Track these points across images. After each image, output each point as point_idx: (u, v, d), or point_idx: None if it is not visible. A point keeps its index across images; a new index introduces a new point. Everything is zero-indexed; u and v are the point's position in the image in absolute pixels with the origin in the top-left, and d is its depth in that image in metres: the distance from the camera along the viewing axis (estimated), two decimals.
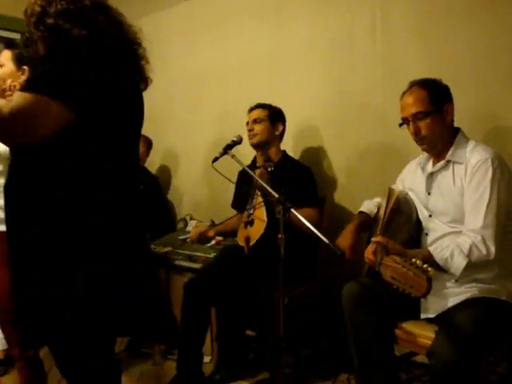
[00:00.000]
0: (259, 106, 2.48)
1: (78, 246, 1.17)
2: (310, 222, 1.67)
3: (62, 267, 1.16)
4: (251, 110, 2.50)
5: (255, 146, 2.45)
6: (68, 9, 1.22)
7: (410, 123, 1.73)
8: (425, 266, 1.36)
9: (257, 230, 2.16)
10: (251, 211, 2.27)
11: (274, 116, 2.46)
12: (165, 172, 3.68)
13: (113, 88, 1.22)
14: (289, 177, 2.29)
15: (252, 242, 2.16)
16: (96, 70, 1.18)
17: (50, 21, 1.21)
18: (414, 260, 1.39)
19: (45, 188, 1.17)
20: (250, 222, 2.25)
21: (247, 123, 2.46)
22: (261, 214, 2.18)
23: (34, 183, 1.18)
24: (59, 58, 1.16)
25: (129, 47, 1.34)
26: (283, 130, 2.50)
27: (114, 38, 1.28)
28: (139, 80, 1.38)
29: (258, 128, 2.41)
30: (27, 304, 1.19)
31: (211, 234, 2.61)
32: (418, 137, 1.73)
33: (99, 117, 1.18)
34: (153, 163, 3.73)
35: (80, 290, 1.16)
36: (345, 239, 1.82)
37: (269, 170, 2.28)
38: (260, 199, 2.22)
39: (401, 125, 1.79)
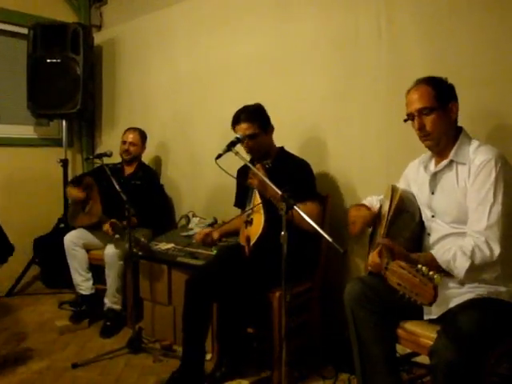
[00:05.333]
0: (244, 118, 2.31)
1: None
2: (311, 215, 1.67)
3: None
4: (236, 123, 2.33)
5: (258, 159, 2.38)
6: None
7: (415, 119, 1.72)
8: (431, 273, 1.34)
9: (255, 230, 2.14)
10: (250, 211, 2.24)
11: (264, 124, 2.36)
12: (166, 168, 3.69)
13: None
14: (286, 172, 2.25)
15: (252, 242, 2.13)
16: None
17: None
18: (420, 266, 1.37)
19: None
20: (250, 222, 2.22)
21: (238, 139, 2.17)
22: (259, 214, 2.15)
23: None
24: None
25: None
26: (273, 127, 2.43)
27: None
28: None
29: (254, 144, 2.33)
30: None
31: (216, 236, 2.53)
32: (422, 132, 1.72)
33: None
34: (156, 159, 3.74)
35: None
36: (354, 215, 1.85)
37: (266, 166, 2.27)
38: (258, 198, 2.18)
39: (405, 120, 1.78)
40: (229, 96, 3.12)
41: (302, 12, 2.76)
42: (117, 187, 2.65)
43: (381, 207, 1.87)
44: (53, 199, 3.87)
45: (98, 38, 4.20)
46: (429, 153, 1.85)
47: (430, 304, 1.34)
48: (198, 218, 3.24)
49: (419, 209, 1.84)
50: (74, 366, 2.48)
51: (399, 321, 1.76)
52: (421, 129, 1.72)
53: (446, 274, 1.55)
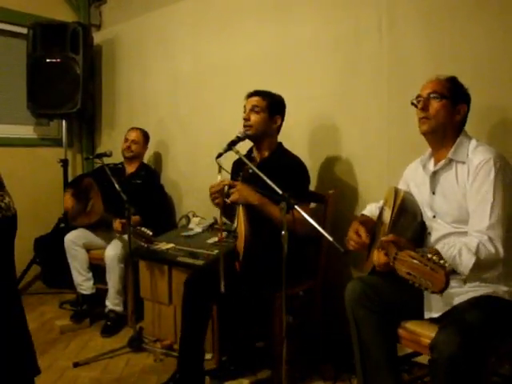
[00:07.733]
0: (259, 93, 2.36)
1: None
2: (302, 222, 1.65)
3: None
4: (250, 95, 2.37)
5: (249, 138, 2.34)
6: None
7: (421, 100, 1.73)
8: (442, 261, 1.33)
9: (240, 245, 2.07)
10: (235, 225, 2.15)
11: (273, 108, 2.35)
12: (167, 168, 3.69)
13: None
14: (277, 172, 2.10)
15: (240, 257, 2.07)
16: None
17: None
18: (430, 255, 1.36)
19: None
20: (236, 237, 2.12)
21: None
22: (241, 227, 2.07)
23: None
24: None
25: None
26: (281, 124, 2.41)
27: None
28: None
29: (254, 118, 2.30)
30: None
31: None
32: (423, 113, 1.73)
33: None
34: (156, 159, 3.74)
35: None
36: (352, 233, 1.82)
37: (250, 171, 2.20)
38: (241, 213, 2.10)
39: (413, 103, 1.78)
40: (229, 96, 3.12)
41: (303, 11, 2.76)
42: (117, 187, 2.66)
43: (381, 212, 1.87)
44: (53, 199, 3.88)
45: (98, 38, 4.20)
46: (427, 152, 1.85)
47: (442, 291, 1.31)
48: (198, 218, 3.25)
49: (420, 209, 1.84)
50: (75, 365, 2.48)
51: (400, 320, 1.76)
52: (424, 108, 1.72)
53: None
